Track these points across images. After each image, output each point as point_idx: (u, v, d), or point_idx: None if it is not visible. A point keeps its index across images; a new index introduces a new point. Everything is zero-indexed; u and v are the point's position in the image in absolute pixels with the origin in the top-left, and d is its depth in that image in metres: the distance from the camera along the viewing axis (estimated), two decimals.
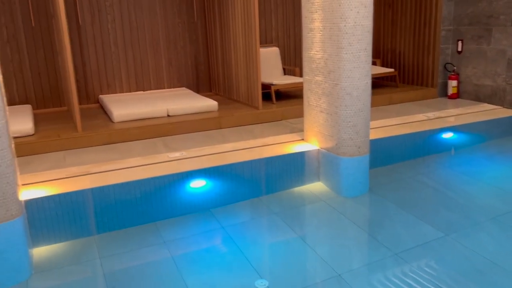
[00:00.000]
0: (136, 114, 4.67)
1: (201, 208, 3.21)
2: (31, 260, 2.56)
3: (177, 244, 2.75)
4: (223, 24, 5.59)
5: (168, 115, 4.80)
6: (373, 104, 4.59)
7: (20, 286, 2.37)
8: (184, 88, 6.05)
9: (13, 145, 2.54)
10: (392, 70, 6.08)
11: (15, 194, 2.45)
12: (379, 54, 6.72)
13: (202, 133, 4.54)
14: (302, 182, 3.63)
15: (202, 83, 6.29)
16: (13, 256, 2.44)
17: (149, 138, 4.40)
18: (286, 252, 2.64)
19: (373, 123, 4.41)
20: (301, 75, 5.80)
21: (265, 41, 6.37)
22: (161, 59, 5.95)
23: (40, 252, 2.72)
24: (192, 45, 6.11)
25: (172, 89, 6.01)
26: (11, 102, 5.16)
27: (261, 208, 3.26)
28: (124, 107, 4.81)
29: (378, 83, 6.45)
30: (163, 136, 4.46)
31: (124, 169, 3.36)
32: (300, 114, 4.66)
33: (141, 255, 2.63)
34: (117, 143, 4.28)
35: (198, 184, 3.26)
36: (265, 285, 2.28)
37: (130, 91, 5.85)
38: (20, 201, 2.56)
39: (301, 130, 4.28)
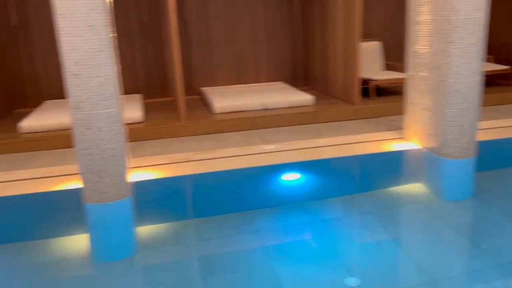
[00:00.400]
0: (235, 106, 4.83)
1: (293, 201, 3.24)
2: (135, 238, 2.78)
3: (269, 234, 2.81)
4: (323, 17, 5.54)
5: (264, 108, 4.89)
6: (483, 103, 4.25)
7: (126, 261, 2.58)
8: (281, 82, 6.12)
9: (125, 131, 2.78)
10: (506, 67, 5.58)
11: (125, 175, 2.68)
12: (492, 50, 6.19)
13: (297, 127, 4.57)
14: (400, 182, 3.50)
15: (299, 77, 6.30)
16: (121, 233, 2.67)
17: (246, 130, 4.53)
18: (378, 252, 2.57)
19: (482, 124, 4.09)
20: (403, 71, 5.55)
21: (366, 35, 6.19)
22: (260, 54, 6.07)
23: (143, 231, 2.93)
24: (290, 39, 6.14)
25: (269, 83, 6.11)
26: (123, 91, 5.62)
27: (354, 205, 3.20)
28: (224, 99, 5.00)
29: (490, 81, 5.94)
30: (259, 129, 4.56)
31: (222, 158, 3.50)
32: (400, 112, 4.47)
33: (235, 242, 2.73)
34: (216, 133, 4.47)
35: (291, 177, 3.30)
36: (355, 283, 2.24)
37: (229, 84, 6.06)
38: (129, 183, 2.79)
39: (400, 128, 4.10)
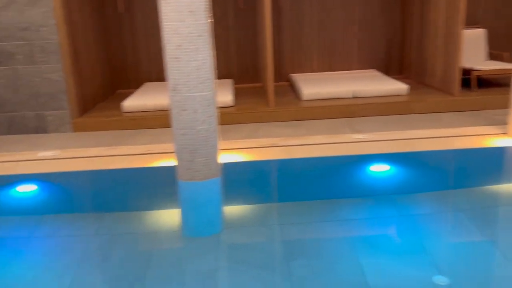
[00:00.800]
0: (324, 93, 4.78)
1: (381, 193, 3.15)
2: (223, 216, 2.89)
3: (354, 225, 2.76)
4: (423, 2, 5.25)
5: (354, 97, 4.78)
6: None
7: (213, 238, 2.69)
8: (373, 70, 5.92)
9: (217, 114, 2.88)
10: None
11: (216, 156, 2.79)
12: None
13: (388, 117, 4.41)
14: (499, 181, 3.25)
15: (393, 65, 6.05)
16: (210, 210, 2.80)
17: (334, 118, 4.47)
18: (471, 253, 2.42)
19: None
20: (511, 61, 5.11)
21: (469, 22, 5.76)
22: (353, 40, 5.92)
23: (230, 210, 3.04)
24: (387, 25, 5.91)
25: (361, 70, 5.95)
26: (217, 75, 5.80)
27: (446, 202, 3.03)
28: (313, 86, 4.97)
29: None
30: (348, 117, 4.47)
31: (309, 145, 3.50)
32: (504, 105, 4.14)
33: (318, 229, 2.73)
34: (304, 120, 4.46)
35: (380, 168, 3.21)
36: (444, 282, 2.14)
37: (319, 71, 5.99)
38: (219, 164, 2.89)
39: (504, 123, 3.79)
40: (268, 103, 4.64)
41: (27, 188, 3.32)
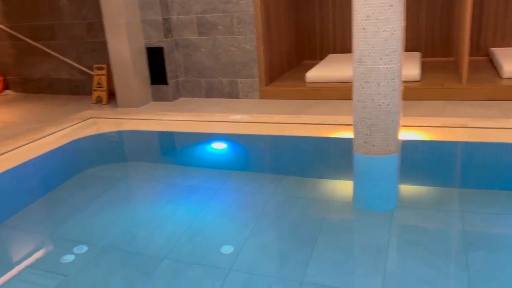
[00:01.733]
0: None
1: None
2: (397, 194, 2.82)
3: None
4: None
5: None
6: None
7: (385, 214, 2.65)
8: None
9: (401, 88, 2.77)
10: None
11: (396, 132, 2.71)
12: None
13: None
14: None
15: None
16: (384, 186, 2.76)
17: None
18: None
19: None
20: None
21: None
22: None
23: (405, 189, 2.94)
24: None
25: None
26: (404, 48, 5.52)
27: None
28: None
29: None
30: None
31: (505, 129, 3.12)
32: None
33: (507, 222, 2.45)
34: (502, 100, 3.96)
35: None
36: None
37: None
38: (399, 140, 2.80)
39: None
40: (460, 80, 4.24)
41: (220, 146, 3.76)
